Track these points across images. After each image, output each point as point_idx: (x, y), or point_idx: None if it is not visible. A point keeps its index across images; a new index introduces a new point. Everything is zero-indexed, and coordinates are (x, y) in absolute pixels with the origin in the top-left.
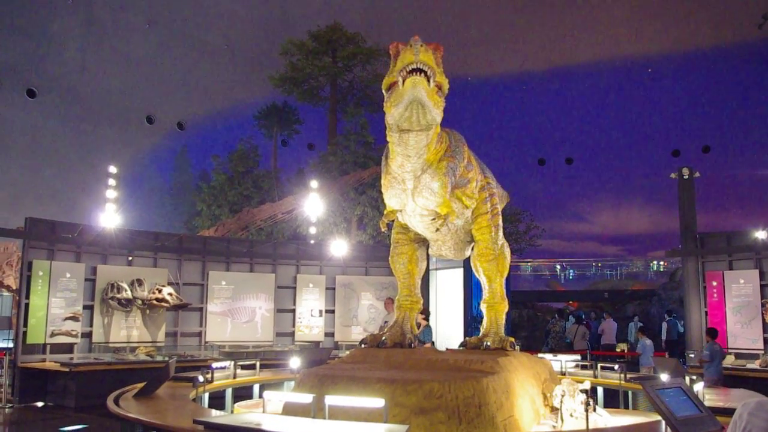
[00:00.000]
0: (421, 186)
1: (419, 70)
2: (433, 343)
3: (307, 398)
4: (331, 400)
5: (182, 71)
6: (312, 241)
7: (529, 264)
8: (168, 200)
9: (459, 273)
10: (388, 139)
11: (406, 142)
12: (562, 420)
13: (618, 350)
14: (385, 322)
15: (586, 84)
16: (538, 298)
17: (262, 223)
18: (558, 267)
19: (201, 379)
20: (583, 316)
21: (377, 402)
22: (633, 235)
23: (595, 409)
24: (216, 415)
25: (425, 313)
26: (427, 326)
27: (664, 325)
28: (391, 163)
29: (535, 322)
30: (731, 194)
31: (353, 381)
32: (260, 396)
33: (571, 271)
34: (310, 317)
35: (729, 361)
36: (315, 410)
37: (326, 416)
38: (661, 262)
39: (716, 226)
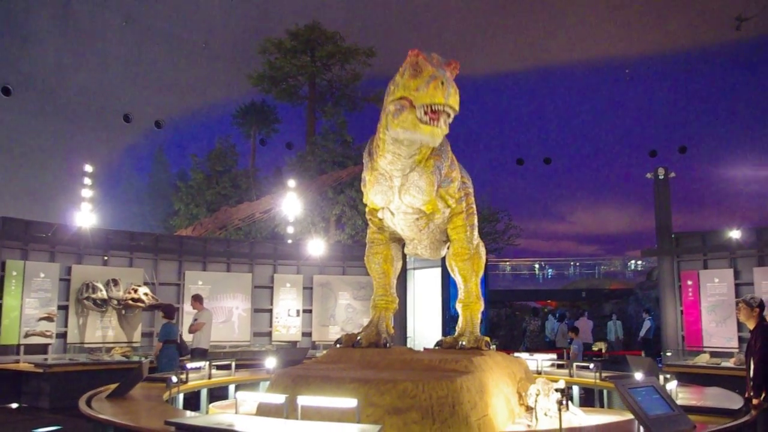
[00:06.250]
0: (409, 183)
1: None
2: (176, 341)
3: (280, 399)
4: (304, 400)
5: (160, 69)
6: (289, 241)
7: (507, 263)
8: (145, 199)
9: (437, 272)
10: (380, 136)
11: (398, 147)
12: (536, 419)
13: (595, 349)
14: (195, 320)
15: (564, 84)
16: (516, 297)
17: (240, 222)
18: (536, 266)
19: (175, 379)
20: (567, 315)
21: (350, 402)
22: (610, 234)
23: (568, 408)
24: (188, 416)
25: (167, 310)
26: (168, 323)
27: (646, 324)
28: (379, 160)
29: (513, 321)
30: (707, 194)
31: (327, 381)
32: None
33: (550, 270)
34: (287, 317)
35: (704, 359)
36: (288, 411)
37: (299, 417)
38: (638, 261)
39: (692, 226)
